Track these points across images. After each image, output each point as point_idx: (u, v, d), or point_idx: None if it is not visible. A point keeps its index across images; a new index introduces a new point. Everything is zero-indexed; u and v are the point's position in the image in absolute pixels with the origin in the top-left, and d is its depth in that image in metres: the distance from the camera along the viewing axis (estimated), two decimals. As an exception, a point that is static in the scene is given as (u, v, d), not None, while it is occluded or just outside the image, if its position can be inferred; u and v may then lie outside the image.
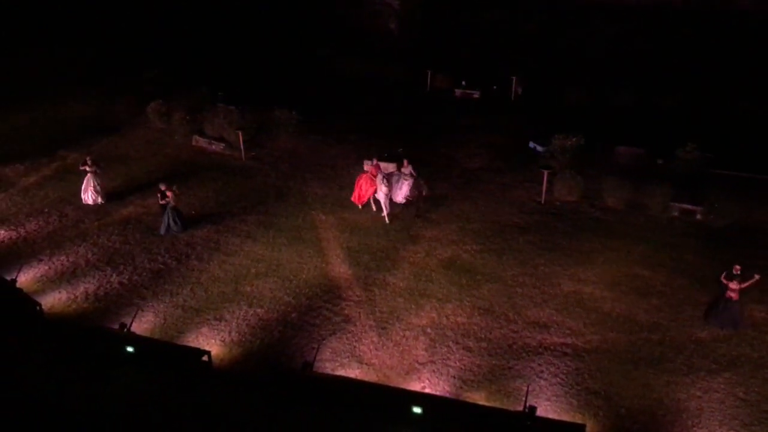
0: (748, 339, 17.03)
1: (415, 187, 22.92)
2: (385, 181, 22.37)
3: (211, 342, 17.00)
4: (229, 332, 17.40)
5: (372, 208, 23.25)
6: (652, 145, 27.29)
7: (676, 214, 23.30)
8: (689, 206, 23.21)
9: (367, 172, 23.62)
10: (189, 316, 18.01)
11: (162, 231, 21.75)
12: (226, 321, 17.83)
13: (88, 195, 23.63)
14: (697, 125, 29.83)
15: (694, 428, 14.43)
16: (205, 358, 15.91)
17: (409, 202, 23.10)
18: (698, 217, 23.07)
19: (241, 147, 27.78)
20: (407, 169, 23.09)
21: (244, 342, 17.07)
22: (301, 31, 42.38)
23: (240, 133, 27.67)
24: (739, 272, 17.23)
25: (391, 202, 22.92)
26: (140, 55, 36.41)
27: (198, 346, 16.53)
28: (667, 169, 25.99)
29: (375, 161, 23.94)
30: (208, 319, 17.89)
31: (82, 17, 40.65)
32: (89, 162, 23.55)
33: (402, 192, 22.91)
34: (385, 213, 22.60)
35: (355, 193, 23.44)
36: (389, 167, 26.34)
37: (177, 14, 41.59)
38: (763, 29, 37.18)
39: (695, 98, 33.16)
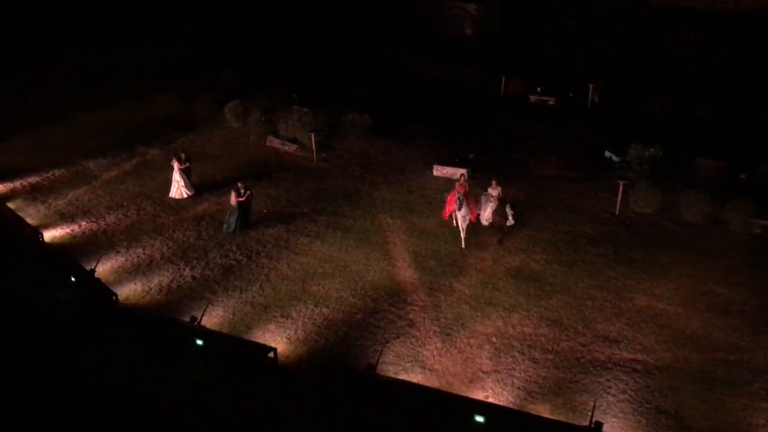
0: (833, 365, 16.13)
1: (498, 213, 21.40)
2: (460, 202, 21.00)
3: (278, 339, 17.28)
4: (296, 330, 17.64)
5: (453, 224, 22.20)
6: (735, 159, 26.19)
7: (758, 231, 22.26)
8: (772, 223, 22.17)
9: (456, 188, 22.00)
10: (257, 313, 18.36)
11: (230, 229, 22.18)
12: (292, 319, 18.09)
13: (177, 190, 24.46)
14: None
15: (771, 456, 13.78)
16: (271, 354, 16.17)
17: (493, 226, 21.77)
18: (782, 234, 22.00)
19: (313, 149, 28.15)
20: (495, 190, 21.89)
21: (309, 340, 17.28)
22: (378, 34, 42.68)
23: (312, 135, 28.04)
24: None
25: (477, 224, 21.69)
26: (220, 55, 37.46)
27: (265, 343, 16.83)
28: (750, 183, 24.91)
29: (462, 178, 22.69)
30: (275, 317, 18.19)
31: (166, 18, 42.17)
32: (182, 157, 24.39)
33: (485, 214, 21.80)
34: (462, 236, 21.37)
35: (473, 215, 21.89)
36: (457, 173, 26.22)
37: (257, 15, 42.58)
38: None
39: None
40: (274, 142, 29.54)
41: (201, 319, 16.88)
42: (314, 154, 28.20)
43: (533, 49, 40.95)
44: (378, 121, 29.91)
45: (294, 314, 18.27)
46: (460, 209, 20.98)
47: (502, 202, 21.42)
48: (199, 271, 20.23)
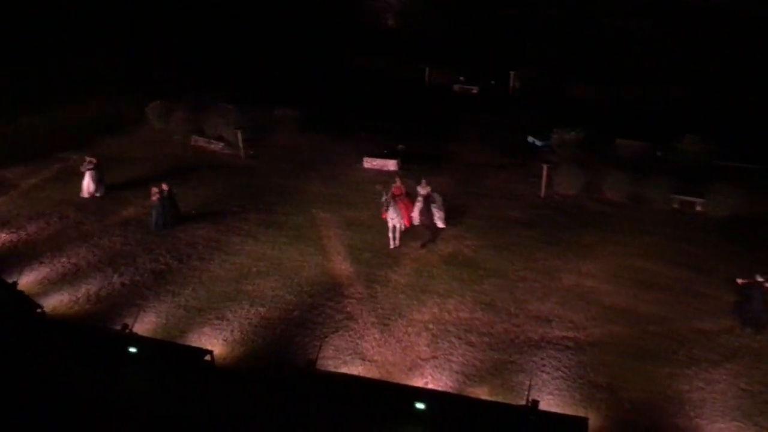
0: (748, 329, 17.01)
1: (425, 214, 20.96)
2: (388, 203, 20.39)
3: (214, 341, 17.01)
4: (232, 331, 17.42)
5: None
6: (653, 138, 27.29)
7: (677, 206, 23.29)
8: (690, 198, 23.20)
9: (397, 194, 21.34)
10: (191, 316, 18.03)
11: (153, 227, 21.93)
12: (228, 320, 17.85)
13: (87, 188, 24.08)
14: (698, 117, 29.82)
15: (697, 419, 14.42)
16: (207, 357, 15.92)
17: (421, 227, 21.23)
18: (699, 208, 23.05)
19: (240, 146, 27.80)
20: (424, 189, 21.11)
21: (246, 341, 17.08)
22: (302, 29, 42.42)
23: (239, 132, 27.69)
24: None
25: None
26: (143, 56, 36.46)
27: (200, 346, 16.55)
28: (667, 161, 26.01)
29: (398, 180, 21.95)
30: (210, 319, 17.91)
31: (87, 23, 40.70)
32: (88, 159, 23.90)
33: (414, 215, 21.17)
34: (389, 235, 20.90)
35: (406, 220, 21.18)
36: (387, 164, 26.41)
37: (177, 15, 41.62)
38: (764, 21, 37.14)
39: (697, 90, 33.13)
40: (200, 141, 29.04)
41: (133, 326, 16.45)
42: (242, 151, 27.86)
43: (455, 39, 41.49)
44: (307, 116, 29.78)
45: (229, 315, 18.02)
46: (386, 211, 20.47)
47: (428, 201, 21.00)
48: (129, 278, 19.71)
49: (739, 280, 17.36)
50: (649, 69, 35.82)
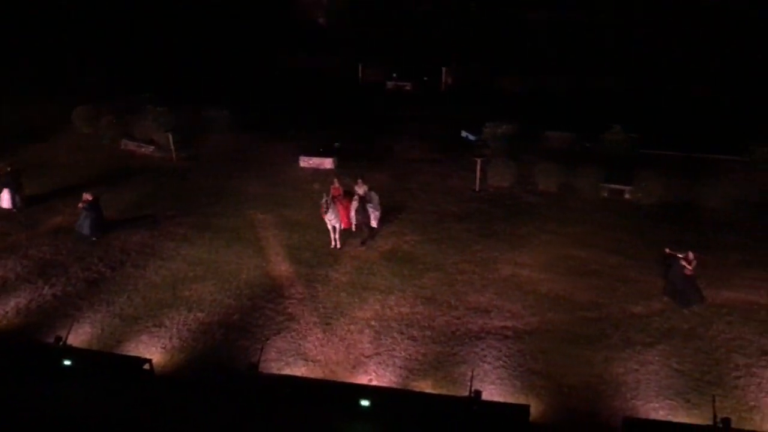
0: (678, 311, 17.71)
1: (360, 213, 20.81)
2: (327, 205, 20.23)
3: (152, 349, 16.65)
4: (170, 338, 17.08)
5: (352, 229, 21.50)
6: (581, 129, 28.08)
7: (606, 194, 24.04)
8: (618, 186, 23.98)
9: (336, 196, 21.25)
10: (127, 325, 17.59)
11: (82, 231, 21.33)
12: (166, 327, 17.48)
13: (5, 199, 23.08)
14: (623, 107, 30.84)
15: (633, 400, 14.94)
16: (146, 366, 15.58)
17: (358, 228, 21.11)
18: (627, 196, 23.85)
19: (172, 148, 27.24)
20: (360, 188, 21.20)
21: (185, 347, 16.79)
22: (232, 27, 41.86)
23: (170, 135, 27.13)
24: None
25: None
26: (67, 59, 35.30)
27: (138, 355, 16.18)
28: (595, 151, 26.81)
29: (336, 182, 21.84)
30: (148, 327, 17.51)
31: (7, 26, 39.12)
32: (1, 166, 22.97)
33: (351, 214, 20.98)
34: (331, 236, 20.84)
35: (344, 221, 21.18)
36: (324, 162, 26.35)
37: (103, 16, 40.48)
38: (682, 11, 38.71)
39: (623, 81, 34.25)
40: (129, 145, 28.32)
41: (67, 338, 15.94)
42: (174, 153, 27.30)
43: (386, 35, 41.70)
44: (240, 115, 29.42)
45: (167, 322, 17.66)
46: (326, 213, 20.33)
47: (363, 200, 20.97)
48: (60, 288, 19.07)
49: (667, 250, 18.22)
50: (574, 60, 36.83)
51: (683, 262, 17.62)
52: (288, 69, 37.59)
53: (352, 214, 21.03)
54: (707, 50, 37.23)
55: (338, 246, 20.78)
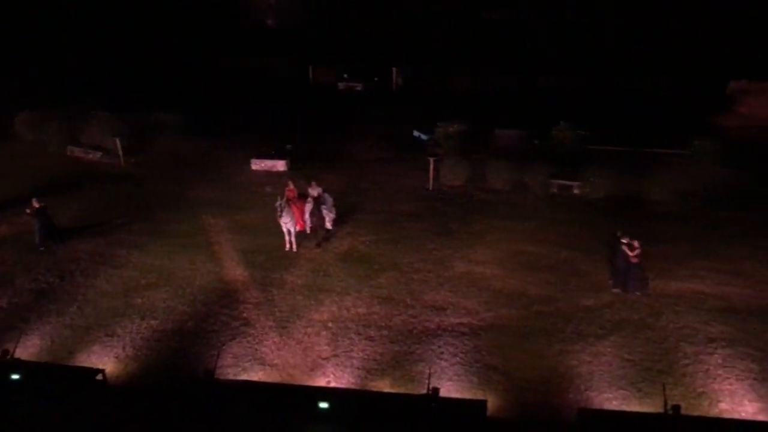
0: (628, 303, 18.15)
1: (315, 215, 20.84)
2: (281, 208, 20.05)
3: (105, 360, 16.30)
4: (123, 347, 16.74)
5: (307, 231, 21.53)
6: (530, 126, 28.56)
7: (555, 190, 24.49)
8: (567, 182, 24.46)
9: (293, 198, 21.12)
10: (78, 335, 17.17)
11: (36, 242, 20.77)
12: (118, 336, 17.13)
13: None
14: (572, 105, 31.48)
15: (587, 392, 15.25)
16: (99, 377, 15.25)
17: (312, 230, 21.20)
18: (576, 191, 24.34)
19: (120, 154, 26.73)
20: (314, 190, 21.01)
21: (139, 356, 16.48)
22: (180, 30, 41.28)
23: (117, 140, 26.62)
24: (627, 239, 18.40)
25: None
26: (10, 65, 34.30)
27: (90, 366, 15.82)
28: (544, 148, 27.30)
29: (291, 184, 21.73)
30: (99, 336, 17.13)
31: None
32: None
33: (305, 216, 21.00)
34: (286, 239, 20.68)
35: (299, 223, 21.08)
36: (276, 165, 26.20)
37: (47, 21, 39.45)
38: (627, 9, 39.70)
39: (569, 79, 34.97)
40: (76, 152, 27.69)
41: (14, 352, 15.49)
42: (122, 159, 26.79)
43: (337, 36, 41.72)
44: (191, 119, 29.03)
45: (119, 331, 17.31)
46: (281, 216, 20.22)
47: (318, 202, 20.94)
48: (6, 300, 18.51)
49: (619, 233, 18.67)
50: (522, 60, 37.42)
51: (625, 247, 18.18)
52: (237, 71, 37.26)
53: (307, 216, 20.96)
54: (651, 47, 38.29)
55: (294, 249, 20.67)
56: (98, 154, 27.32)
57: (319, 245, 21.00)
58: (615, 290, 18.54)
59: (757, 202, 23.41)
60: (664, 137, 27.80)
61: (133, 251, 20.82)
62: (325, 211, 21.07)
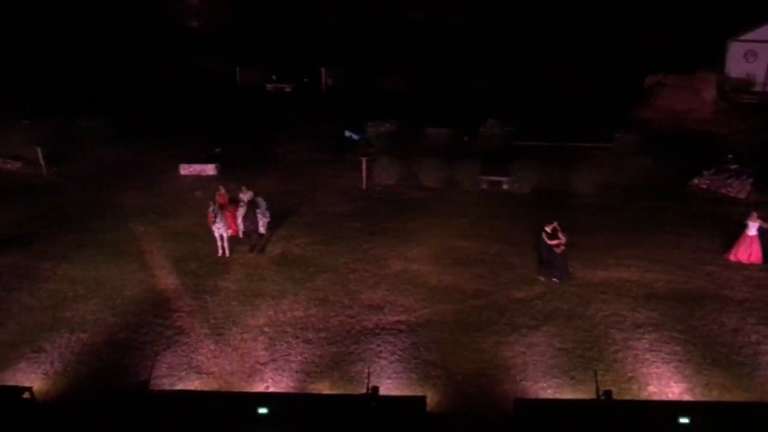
0: (558, 293, 18.69)
1: (249, 219, 20.61)
2: (215, 213, 19.76)
3: (32, 377, 15.69)
4: (52, 363, 16.16)
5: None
6: (459, 125, 29.02)
7: (485, 186, 24.98)
8: (496, 178, 24.98)
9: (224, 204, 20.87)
10: (2, 353, 16.46)
11: None
12: (46, 352, 16.52)
13: None
14: (498, 102, 32.15)
15: (522, 382, 15.62)
16: (26, 394, 14.68)
17: (245, 235, 20.95)
18: (505, 187, 24.88)
19: (42, 163, 25.78)
20: (245, 195, 20.71)
21: (69, 371, 15.94)
22: (101, 34, 40.12)
23: (38, 149, 25.66)
24: (557, 228, 18.94)
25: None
26: None
27: (17, 384, 15.21)
28: (474, 145, 27.80)
29: (222, 189, 21.41)
30: (25, 353, 16.47)
31: None
32: None
33: (238, 221, 20.76)
34: (218, 245, 20.29)
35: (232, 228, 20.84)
36: (206, 169, 25.82)
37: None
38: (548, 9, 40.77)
39: (493, 77, 35.70)
40: (-6, 162, 26.58)
41: (-67, 374, 14.78)
42: (44, 168, 25.84)
43: (265, 38, 41.38)
44: (116, 124, 28.26)
45: (47, 346, 16.70)
46: (214, 222, 19.88)
47: (252, 206, 20.72)
48: None
49: (555, 223, 19.19)
50: (448, 59, 38.01)
51: (544, 235, 19.02)
52: (163, 74, 36.47)
53: (239, 221, 20.72)
54: (573, 45, 39.47)
55: (227, 254, 20.40)
56: (18, 164, 26.28)
57: (252, 249, 20.80)
58: (540, 278, 19.20)
59: (675, 191, 24.48)
60: (587, 131, 28.71)
61: (59, 263, 20.12)
62: (259, 215, 20.88)
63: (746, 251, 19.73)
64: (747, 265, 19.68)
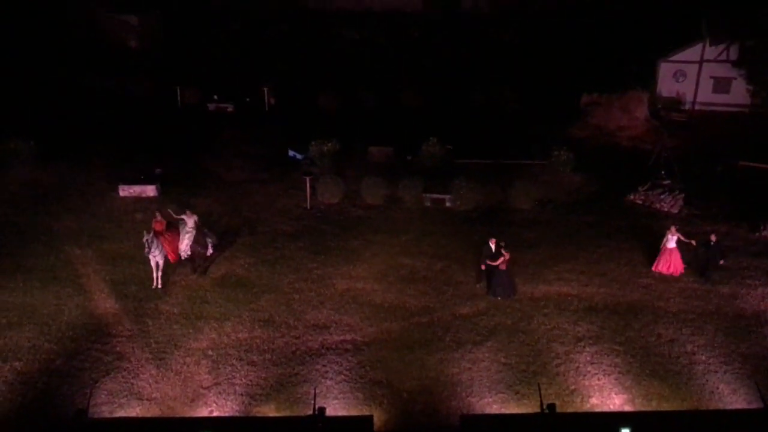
0: (502, 309, 18.97)
1: (196, 242, 20.41)
2: (149, 243, 19.11)
3: (-38, 409, 15.03)
4: (-17, 394, 15.50)
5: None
6: (401, 143, 29.28)
7: (428, 204, 25.20)
8: (438, 196, 25.24)
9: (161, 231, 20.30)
10: (-71, 385, 15.73)
11: None
12: (-23, 382, 15.84)
13: None
14: (438, 121, 32.57)
15: (468, 398, 15.77)
16: (-45, 429, 14.03)
17: (193, 258, 20.54)
18: (447, 204, 25.16)
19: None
20: (190, 219, 20.33)
21: (3, 402, 15.31)
22: (33, 51, 38.97)
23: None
24: (502, 245, 19.23)
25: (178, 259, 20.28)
26: None
27: (-56, 418, 14.53)
28: (416, 163, 28.08)
29: (158, 215, 20.78)
30: (-45, 385, 15.77)
31: None
32: None
33: (182, 246, 20.31)
34: (154, 275, 19.70)
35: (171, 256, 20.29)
36: (146, 190, 25.31)
37: None
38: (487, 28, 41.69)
39: (434, 96, 36.17)
40: None
41: None
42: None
43: (204, 57, 41.06)
44: (48, 145, 27.40)
45: (-22, 376, 16.01)
46: (149, 251, 19.24)
47: (199, 229, 20.49)
48: None
49: (503, 244, 19.53)
50: (385, 78, 38.43)
51: (485, 250, 19.39)
52: (98, 93, 35.64)
53: (185, 244, 20.25)
54: (511, 65, 40.41)
55: (159, 285, 19.65)
56: (-58, 188, 25.19)
57: (194, 271, 20.44)
58: (483, 291, 19.59)
59: (610, 206, 25.21)
60: (525, 149, 29.35)
61: (-11, 289, 19.34)
62: (207, 237, 20.58)
63: (666, 263, 20.63)
64: (679, 277, 20.41)
